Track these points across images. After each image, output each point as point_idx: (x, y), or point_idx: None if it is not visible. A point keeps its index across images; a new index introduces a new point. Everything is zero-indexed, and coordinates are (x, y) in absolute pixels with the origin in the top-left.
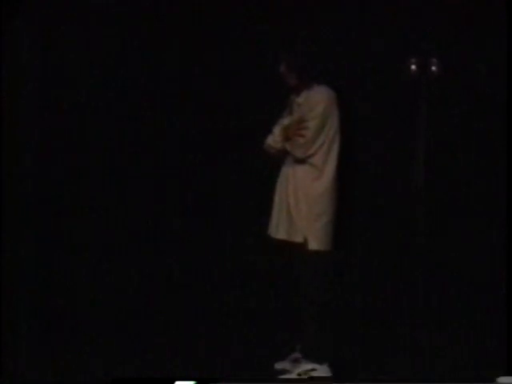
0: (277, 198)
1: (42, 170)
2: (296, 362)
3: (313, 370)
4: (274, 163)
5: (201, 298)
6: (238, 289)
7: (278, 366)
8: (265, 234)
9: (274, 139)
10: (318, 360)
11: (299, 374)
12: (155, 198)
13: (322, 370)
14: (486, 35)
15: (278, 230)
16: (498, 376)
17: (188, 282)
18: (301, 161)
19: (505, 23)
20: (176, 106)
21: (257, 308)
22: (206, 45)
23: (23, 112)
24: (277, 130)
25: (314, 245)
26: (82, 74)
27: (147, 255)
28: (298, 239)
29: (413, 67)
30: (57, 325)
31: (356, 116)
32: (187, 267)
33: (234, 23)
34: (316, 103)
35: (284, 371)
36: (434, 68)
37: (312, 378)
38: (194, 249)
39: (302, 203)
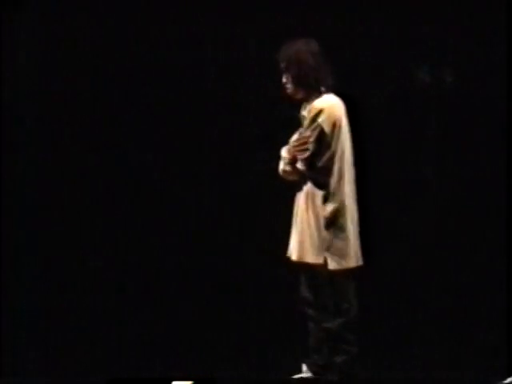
0: (294, 220)
1: (42, 169)
2: None
3: None
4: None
5: (202, 301)
6: (246, 298)
7: None
8: (284, 254)
9: (284, 162)
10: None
11: None
12: (156, 199)
13: None
14: (486, 37)
15: (297, 251)
16: (498, 376)
17: (189, 284)
18: (314, 180)
19: (505, 24)
20: (178, 108)
21: (267, 322)
22: (207, 47)
23: (23, 110)
24: (284, 151)
25: (333, 264)
26: (82, 69)
27: (148, 255)
28: (318, 260)
29: (422, 76)
30: (56, 325)
31: (369, 128)
32: (189, 270)
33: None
34: (316, 113)
35: None
36: (444, 76)
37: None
38: (203, 254)
39: (318, 224)
